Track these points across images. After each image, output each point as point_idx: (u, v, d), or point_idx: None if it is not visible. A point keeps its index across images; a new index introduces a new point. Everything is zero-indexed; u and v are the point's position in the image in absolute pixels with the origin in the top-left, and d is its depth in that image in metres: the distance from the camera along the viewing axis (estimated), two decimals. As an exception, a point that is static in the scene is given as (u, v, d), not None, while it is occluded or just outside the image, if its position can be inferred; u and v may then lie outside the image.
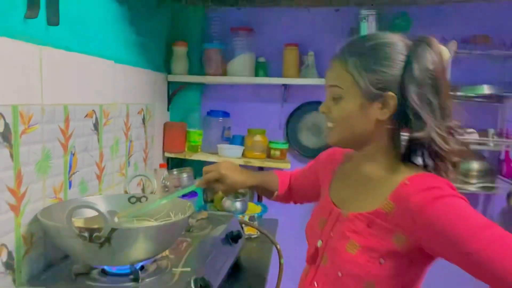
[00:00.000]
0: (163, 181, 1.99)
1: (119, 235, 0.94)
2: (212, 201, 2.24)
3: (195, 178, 2.06)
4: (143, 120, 1.80)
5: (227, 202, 2.01)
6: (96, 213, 0.91)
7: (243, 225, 1.64)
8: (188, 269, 1.11)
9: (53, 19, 1.10)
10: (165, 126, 2.13)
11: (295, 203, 1.38)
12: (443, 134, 0.86)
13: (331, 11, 2.16)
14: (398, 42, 0.90)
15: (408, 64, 0.87)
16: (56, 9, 1.11)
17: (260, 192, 1.33)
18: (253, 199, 2.34)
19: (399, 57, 0.88)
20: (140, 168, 1.80)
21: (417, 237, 0.83)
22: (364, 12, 1.86)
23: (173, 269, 1.11)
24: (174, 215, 1.15)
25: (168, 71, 2.16)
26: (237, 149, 2.14)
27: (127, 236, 0.96)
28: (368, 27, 1.86)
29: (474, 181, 2.05)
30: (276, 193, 1.31)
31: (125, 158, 1.62)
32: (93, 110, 1.34)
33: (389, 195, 0.87)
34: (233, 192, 1.23)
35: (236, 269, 1.51)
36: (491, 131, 2.07)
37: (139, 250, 1.00)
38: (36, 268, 1.08)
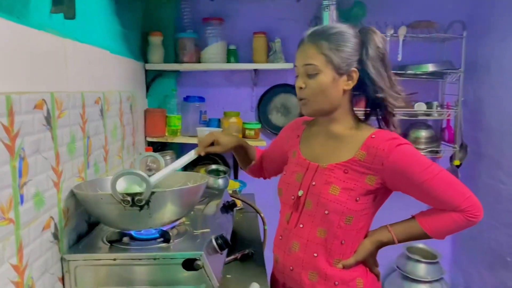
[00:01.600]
0: (148, 164, 2.12)
1: (157, 197, 1.09)
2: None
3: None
4: (131, 106, 1.91)
5: (210, 180, 2.17)
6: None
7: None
8: (208, 230, 1.28)
9: (69, 13, 1.21)
10: (146, 112, 2.25)
11: (265, 178, 1.59)
12: (394, 94, 1.15)
13: (293, 2, 2.35)
14: (349, 30, 1.16)
15: (363, 45, 1.14)
16: (72, 3, 1.21)
17: (242, 158, 1.51)
18: (231, 176, 2.52)
19: (355, 41, 1.14)
20: (130, 151, 1.91)
21: (383, 176, 1.11)
22: (325, 2, 2.08)
23: (194, 231, 1.28)
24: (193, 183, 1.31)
25: (145, 60, 2.27)
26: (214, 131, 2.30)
27: (164, 198, 1.11)
28: (329, 15, 2.08)
29: (422, 146, 2.37)
30: (253, 162, 1.52)
31: (121, 142, 1.74)
32: (99, 97, 1.45)
33: (361, 147, 1.14)
34: (227, 151, 1.39)
35: (232, 234, 1.69)
36: (435, 103, 2.39)
37: (171, 212, 1.16)
38: (71, 239, 1.20)
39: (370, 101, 1.20)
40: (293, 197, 1.23)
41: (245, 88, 2.50)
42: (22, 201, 0.93)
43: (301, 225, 1.21)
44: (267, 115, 2.51)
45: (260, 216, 1.81)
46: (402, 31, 2.17)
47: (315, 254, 1.18)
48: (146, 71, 2.29)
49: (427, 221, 1.14)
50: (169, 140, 2.28)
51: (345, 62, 1.13)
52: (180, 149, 2.50)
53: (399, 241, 1.18)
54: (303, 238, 1.20)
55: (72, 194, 1.18)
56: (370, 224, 1.22)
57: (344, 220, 1.14)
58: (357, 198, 1.13)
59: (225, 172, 2.21)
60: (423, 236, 1.16)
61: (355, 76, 1.14)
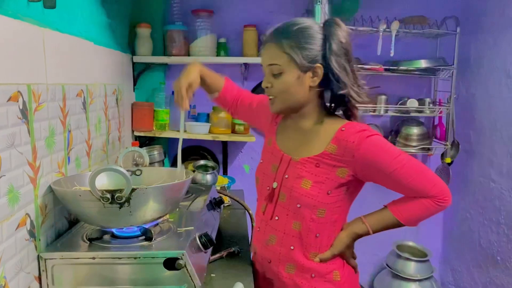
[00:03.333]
0: (135, 159, 2.07)
1: (138, 194, 1.05)
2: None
3: (165, 155, 2.16)
4: (116, 100, 1.87)
5: (198, 176, 2.13)
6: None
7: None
8: (192, 227, 1.24)
9: (50, 2, 1.16)
10: (133, 106, 2.20)
11: (232, 115, 1.57)
12: (357, 90, 1.15)
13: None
14: (314, 25, 1.14)
15: (327, 40, 1.12)
16: (53, -8, 1.16)
17: (205, 86, 1.44)
18: (220, 172, 2.49)
19: (319, 36, 1.12)
20: (116, 146, 1.87)
21: (355, 167, 1.12)
22: (318, -5, 2.04)
23: (178, 229, 1.24)
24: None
25: (133, 52, 2.22)
26: (204, 126, 2.27)
27: (146, 195, 1.07)
28: (321, 9, 2.04)
29: (414, 144, 2.35)
30: (216, 94, 1.46)
31: (106, 137, 1.69)
32: (81, 89, 1.40)
33: (331, 140, 1.14)
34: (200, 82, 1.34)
35: (219, 232, 1.66)
36: (427, 100, 2.37)
37: (152, 209, 1.12)
38: (49, 237, 1.16)
39: (334, 96, 1.19)
40: (268, 188, 1.25)
41: (235, 82, 2.44)
42: (-6, 198, 0.88)
43: (276, 218, 1.22)
44: (257, 110, 2.46)
45: (249, 213, 1.78)
46: (395, 26, 2.14)
47: (292, 247, 1.19)
48: (134, 63, 2.24)
49: (399, 210, 1.16)
50: (157, 135, 2.24)
51: (309, 59, 1.12)
52: (168, 144, 2.46)
53: (374, 231, 1.19)
54: (280, 231, 1.21)
55: (51, 190, 1.14)
56: (345, 217, 1.23)
57: (316, 213, 1.15)
58: (329, 191, 1.14)
59: (213, 168, 2.18)
60: (397, 225, 1.17)
61: (320, 72, 1.13)
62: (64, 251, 1.09)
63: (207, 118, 2.36)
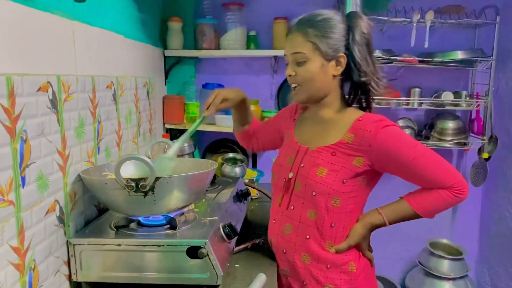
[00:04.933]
0: (166, 150, 2.11)
1: (162, 183, 1.07)
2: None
3: (195, 147, 2.19)
4: (147, 92, 1.90)
5: (227, 168, 2.16)
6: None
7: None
8: (216, 218, 1.25)
9: (80, -4, 1.20)
10: (164, 99, 2.24)
11: (252, 149, 1.61)
12: (376, 80, 1.18)
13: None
14: (337, 16, 1.17)
15: (350, 31, 1.15)
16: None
17: (239, 116, 1.49)
18: (249, 164, 2.50)
19: (342, 26, 1.15)
20: (147, 138, 1.91)
21: (371, 157, 1.13)
22: (349, -14, 2.00)
23: (202, 218, 1.26)
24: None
25: (164, 46, 2.26)
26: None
27: (169, 184, 1.09)
28: (353, 0, 2.00)
29: (449, 138, 2.27)
30: (246, 126, 1.52)
31: (136, 128, 1.73)
32: (111, 81, 1.44)
33: (348, 129, 1.15)
34: (237, 103, 1.39)
35: (245, 224, 1.67)
36: (464, 93, 2.28)
37: (177, 199, 1.14)
38: (78, 224, 1.20)
39: (354, 86, 1.22)
40: (284, 179, 1.26)
41: (265, 76, 2.46)
42: (23, 184, 0.92)
43: (292, 207, 1.22)
44: (286, 103, 2.45)
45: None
46: (430, 16, 2.07)
47: (307, 236, 1.20)
48: (165, 57, 2.27)
49: (416, 201, 1.16)
50: (187, 128, 2.26)
51: (333, 48, 1.14)
52: (198, 137, 2.49)
53: (390, 223, 1.19)
54: (295, 220, 1.22)
55: (80, 179, 1.18)
56: (361, 208, 1.23)
57: (331, 202, 1.16)
58: (344, 180, 1.15)
59: (242, 161, 2.19)
60: (413, 216, 1.17)
61: (343, 61, 1.16)
62: (92, 237, 1.13)
63: (237, 111, 2.37)
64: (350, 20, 1.16)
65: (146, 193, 1.08)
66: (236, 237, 1.28)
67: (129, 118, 1.63)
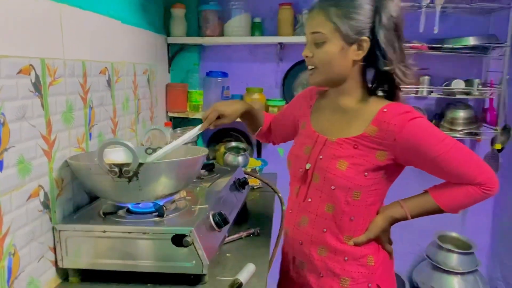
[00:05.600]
0: (169, 139, 2.09)
1: (146, 169, 1.05)
2: (214, 158, 2.36)
3: (198, 136, 2.16)
4: (148, 80, 1.88)
5: (229, 157, 2.12)
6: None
7: (247, 176, 1.75)
8: (206, 206, 1.23)
9: (68, -22, 1.17)
10: (167, 87, 2.22)
11: (273, 143, 1.54)
12: (403, 69, 1.08)
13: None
14: None
15: (377, 12, 1.05)
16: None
17: (249, 123, 1.47)
18: (253, 154, 2.46)
19: (368, 7, 1.05)
20: (147, 126, 1.89)
21: (395, 151, 1.06)
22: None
23: (192, 206, 1.23)
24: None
25: (167, 33, 2.23)
26: (236, 107, 2.24)
27: (154, 170, 1.07)
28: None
29: (460, 128, 2.18)
30: (261, 128, 1.47)
31: (135, 116, 1.71)
32: (105, 67, 1.42)
33: (371, 122, 1.07)
34: (234, 119, 1.35)
35: (243, 214, 1.64)
36: (476, 81, 2.19)
37: (163, 185, 1.11)
38: (66, 210, 1.18)
39: (378, 73, 1.13)
40: (301, 170, 1.19)
41: (270, 63, 2.41)
42: (1, 168, 0.91)
43: (309, 199, 1.17)
44: (292, 91, 2.40)
45: (278, 196, 1.74)
46: (439, 0, 1.98)
47: (324, 230, 1.14)
48: (169, 45, 2.25)
49: (441, 196, 1.10)
50: (190, 116, 2.24)
51: (355, 31, 1.05)
52: (201, 125, 2.46)
53: (412, 217, 1.13)
54: (312, 213, 1.16)
55: (68, 164, 1.17)
56: (382, 200, 1.17)
57: (351, 195, 1.10)
58: (366, 174, 1.08)
59: (245, 150, 2.15)
60: (437, 211, 1.11)
61: (366, 45, 1.06)
62: (77, 223, 1.11)
63: (241, 100, 2.33)
64: (378, 1, 1.05)
65: (130, 179, 1.06)
66: (227, 226, 1.25)
67: (126, 105, 1.61)
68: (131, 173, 1.04)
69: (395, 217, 1.13)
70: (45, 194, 1.08)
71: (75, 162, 1.13)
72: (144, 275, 1.11)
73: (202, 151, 1.28)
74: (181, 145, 1.24)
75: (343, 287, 1.14)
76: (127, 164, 1.03)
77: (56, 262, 1.11)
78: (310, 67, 1.14)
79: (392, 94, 1.13)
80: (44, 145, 1.07)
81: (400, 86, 1.11)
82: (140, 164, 1.03)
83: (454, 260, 2.24)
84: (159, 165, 1.09)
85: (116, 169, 1.03)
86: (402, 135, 1.03)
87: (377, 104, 1.10)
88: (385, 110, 1.07)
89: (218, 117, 1.31)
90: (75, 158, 1.18)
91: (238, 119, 1.40)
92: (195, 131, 1.30)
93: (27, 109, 0.99)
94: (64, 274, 1.14)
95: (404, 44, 1.09)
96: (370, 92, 1.15)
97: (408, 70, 1.09)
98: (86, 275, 1.13)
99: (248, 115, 1.41)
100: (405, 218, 1.13)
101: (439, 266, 2.24)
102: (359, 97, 1.13)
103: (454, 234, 2.38)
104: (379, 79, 1.14)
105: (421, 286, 2.27)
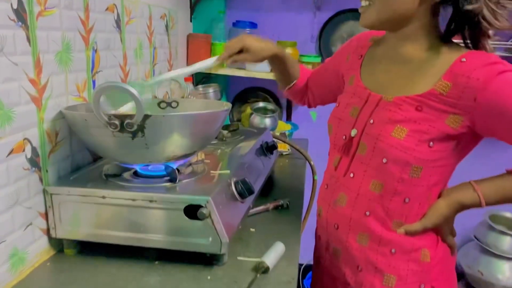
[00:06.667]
0: (189, 97, 1.89)
1: (154, 123, 0.84)
2: (239, 120, 2.15)
3: (221, 94, 1.94)
4: (166, 27, 1.66)
5: (256, 119, 1.92)
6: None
7: (275, 140, 1.53)
8: (227, 171, 1.02)
9: None
10: (189, 37, 1.99)
11: (309, 105, 1.30)
12: (493, 7, 0.81)
13: None
14: None
15: None
16: None
17: (279, 72, 1.23)
18: (282, 117, 2.24)
19: None
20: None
21: (474, 116, 0.81)
22: None
23: (211, 171, 1.03)
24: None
25: (190, -24, 1.98)
26: (265, 64, 1.99)
27: (164, 124, 0.86)
28: None
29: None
30: (296, 81, 1.23)
31: (150, 66, 1.50)
32: (114, 3, 1.20)
33: (443, 75, 0.83)
34: (260, 60, 1.13)
35: (270, 184, 1.43)
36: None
37: (175, 144, 0.91)
38: (63, 169, 1.00)
39: (457, 14, 0.85)
40: (344, 137, 0.97)
41: (306, 13, 2.13)
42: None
43: (351, 175, 0.94)
44: (329, 46, 2.13)
45: (310, 164, 1.51)
46: None
47: (367, 213, 0.92)
48: (191, -11, 2.00)
49: None
50: (213, 71, 2.02)
51: None
52: (226, 83, 2.24)
53: (487, 204, 0.87)
54: (353, 191, 0.93)
55: (64, 116, 0.97)
56: (446, 181, 0.93)
57: (408, 172, 0.86)
58: (431, 144, 0.84)
59: (273, 111, 1.94)
60: None
61: None
62: (73, 186, 0.92)
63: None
64: None
65: (134, 134, 0.85)
66: (252, 196, 1.05)
67: (140, 53, 1.40)
68: (135, 127, 0.83)
69: (464, 202, 0.88)
70: (33, 150, 0.89)
71: (70, 112, 0.92)
72: (152, 251, 0.93)
73: (225, 105, 1.07)
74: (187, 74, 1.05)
75: (386, 286, 0.92)
76: (131, 116, 0.82)
77: (48, 230, 0.94)
78: (363, 2, 0.89)
79: (475, 42, 0.86)
80: (31, 89, 0.87)
81: (489, 31, 0.84)
82: (146, 117, 0.82)
83: (506, 243, 1.99)
84: (171, 119, 0.87)
85: (117, 122, 0.83)
86: (487, 93, 0.78)
87: (451, 53, 0.85)
88: (464, 60, 0.81)
89: (242, 51, 1.08)
90: (71, 108, 0.98)
91: (266, 73, 1.16)
92: (211, 61, 1.09)
93: (6, 41, 0.79)
94: (59, 244, 0.97)
95: None
96: (442, 39, 0.88)
97: (501, 10, 0.82)
98: (84, 246, 0.96)
99: (280, 60, 1.17)
100: (478, 205, 0.88)
101: (488, 249, 2.00)
102: (427, 44, 0.88)
103: (508, 215, 2.12)
104: (457, 21, 0.86)
105: (466, 270, 2.04)
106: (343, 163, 0.97)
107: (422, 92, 0.84)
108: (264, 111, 1.92)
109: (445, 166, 0.88)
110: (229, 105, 1.05)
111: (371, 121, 0.90)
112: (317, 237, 1.09)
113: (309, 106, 1.30)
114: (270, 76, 1.98)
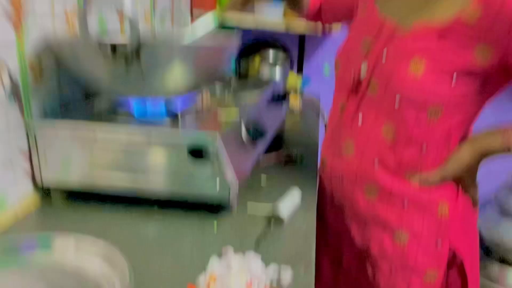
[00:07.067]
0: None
1: (152, 52, 0.71)
2: (246, 75, 2.01)
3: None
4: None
5: (265, 68, 1.78)
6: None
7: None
8: (236, 109, 0.90)
9: None
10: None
11: (324, 23, 1.17)
12: None
13: None
14: None
15: None
16: None
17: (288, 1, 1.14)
18: (293, 68, 2.07)
19: None
20: (167, 23, 1.54)
21: (508, 47, 0.69)
22: None
23: (219, 108, 0.91)
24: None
25: None
26: (277, 10, 1.83)
27: (162, 53, 0.73)
28: None
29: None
30: (305, 8, 1.12)
31: (150, 7, 1.36)
32: None
33: (472, 0, 0.70)
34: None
35: (280, 139, 1.30)
36: None
37: (175, 76, 0.78)
38: (48, 103, 0.87)
39: None
40: (353, 74, 0.84)
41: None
42: None
43: (360, 118, 0.83)
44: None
45: (323, 119, 1.40)
46: None
47: (376, 161, 0.82)
48: None
49: None
50: (221, 23, 1.86)
51: None
52: (234, 32, 2.08)
53: None
54: (362, 136, 0.83)
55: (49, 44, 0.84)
56: (469, 126, 0.80)
57: (426, 113, 0.75)
58: (454, 78, 0.72)
59: (283, 61, 1.80)
60: None
61: None
62: (59, 120, 0.81)
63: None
64: None
65: (128, 62, 0.72)
66: (264, 143, 0.93)
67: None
68: (129, 53, 0.71)
69: (490, 149, 0.76)
70: (11, 78, 0.76)
71: (54, 36, 0.79)
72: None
73: (233, 37, 0.94)
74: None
75: (397, 243, 0.82)
76: (124, 46, 0.70)
77: (33, 174, 0.82)
78: None
79: None
80: (7, 6, 0.73)
81: None
82: (142, 44, 0.69)
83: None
84: (170, 47, 0.75)
85: (108, 47, 0.70)
86: None
87: None
88: None
89: None
90: (58, 38, 0.85)
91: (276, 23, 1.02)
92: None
93: None
94: (46, 188, 0.85)
95: None
96: None
97: None
98: (73, 192, 0.84)
99: None
100: (505, 151, 0.75)
101: (510, 212, 1.89)
102: None
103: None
104: None
105: (485, 233, 1.93)
106: (350, 105, 0.85)
107: (447, 19, 0.72)
108: (274, 61, 1.79)
109: (468, 108, 0.76)
110: (239, 37, 0.93)
111: (384, 54, 0.78)
112: (321, 190, 0.98)
113: (323, 22, 1.17)
114: (280, 26, 1.83)
